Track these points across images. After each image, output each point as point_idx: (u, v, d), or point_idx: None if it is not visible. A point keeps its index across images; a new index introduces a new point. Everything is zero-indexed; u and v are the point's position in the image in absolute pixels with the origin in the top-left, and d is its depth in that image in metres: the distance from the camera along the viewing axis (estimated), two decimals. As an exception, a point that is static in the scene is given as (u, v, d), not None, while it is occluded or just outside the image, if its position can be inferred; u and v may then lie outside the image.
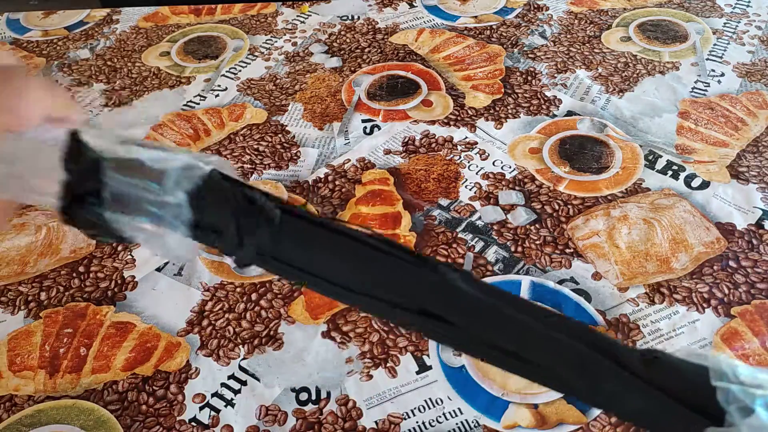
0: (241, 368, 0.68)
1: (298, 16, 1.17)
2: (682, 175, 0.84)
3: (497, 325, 0.27)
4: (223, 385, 0.67)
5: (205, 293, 0.74)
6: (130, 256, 0.79)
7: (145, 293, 0.75)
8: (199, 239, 0.27)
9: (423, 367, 0.67)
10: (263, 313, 0.72)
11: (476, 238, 0.78)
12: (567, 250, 0.76)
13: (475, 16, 1.14)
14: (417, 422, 0.63)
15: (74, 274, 0.77)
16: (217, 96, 1.01)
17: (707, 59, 1.01)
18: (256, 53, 1.09)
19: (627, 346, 0.27)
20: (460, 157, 0.88)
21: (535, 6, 1.15)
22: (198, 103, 1.00)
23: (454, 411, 0.64)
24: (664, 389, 0.25)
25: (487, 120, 0.93)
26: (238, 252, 0.27)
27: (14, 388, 0.67)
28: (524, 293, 0.72)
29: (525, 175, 0.85)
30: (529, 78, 1.00)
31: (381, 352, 0.68)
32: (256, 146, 0.92)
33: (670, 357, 0.26)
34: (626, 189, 0.82)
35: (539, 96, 0.97)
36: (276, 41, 1.12)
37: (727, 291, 0.71)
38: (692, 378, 0.26)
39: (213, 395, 0.66)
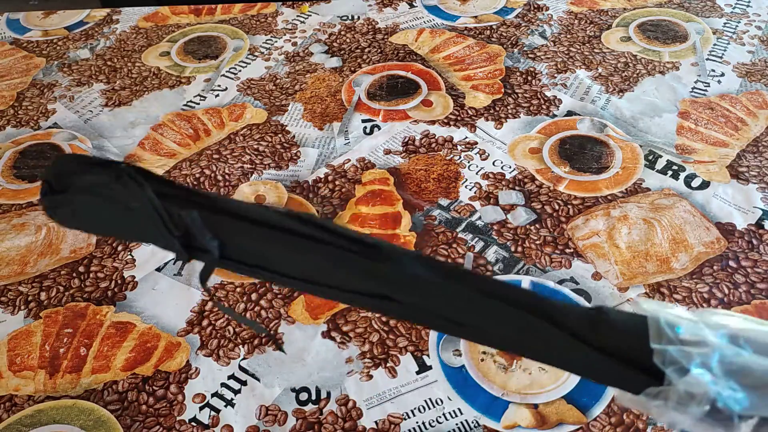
0: (241, 368, 0.68)
1: (298, 16, 1.17)
2: (682, 175, 0.84)
3: (443, 299, 0.28)
4: (223, 385, 0.67)
5: (205, 293, 0.74)
6: (130, 256, 0.79)
7: (145, 293, 0.75)
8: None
9: (423, 367, 0.67)
10: (263, 313, 0.72)
11: (476, 238, 0.78)
12: (567, 250, 0.76)
13: (475, 16, 1.14)
14: (417, 422, 0.63)
15: (74, 274, 0.77)
16: (217, 96, 1.01)
17: (707, 59, 1.01)
18: (256, 53, 1.09)
19: (568, 306, 0.27)
20: (460, 157, 0.88)
21: (535, 6, 1.15)
22: (198, 103, 1.00)
23: (454, 411, 0.64)
24: (606, 349, 0.26)
25: (487, 120, 0.93)
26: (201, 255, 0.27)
27: (14, 388, 0.67)
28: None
29: (525, 175, 0.85)
30: (529, 78, 1.00)
31: (381, 352, 0.68)
32: (256, 146, 0.92)
33: (615, 315, 0.27)
34: (626, 189, 0.82)
35: (539, 96, 0.97)
36: (276, 41, 1.12)
37: (727, 291, 0.71)
38: (634, 337, 0.26)
39: (213, 395, 0.66)
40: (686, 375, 0.24)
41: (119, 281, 0.76)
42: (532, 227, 0.78)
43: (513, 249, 0.76)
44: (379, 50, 1.08)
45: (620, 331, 0.26)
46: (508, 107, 0.95)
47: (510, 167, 0.86)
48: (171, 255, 0.78)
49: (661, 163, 0.85)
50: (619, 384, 0.26)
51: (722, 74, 0.98)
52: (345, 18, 1.16)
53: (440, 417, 0.63)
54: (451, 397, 0.65)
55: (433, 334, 0.69)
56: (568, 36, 1.08)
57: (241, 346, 0.69)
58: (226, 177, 0.88)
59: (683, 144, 0.88)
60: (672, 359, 0.25)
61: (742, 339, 0.25)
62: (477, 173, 0.86)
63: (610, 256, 0.75)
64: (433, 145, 0.90)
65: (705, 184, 0.82)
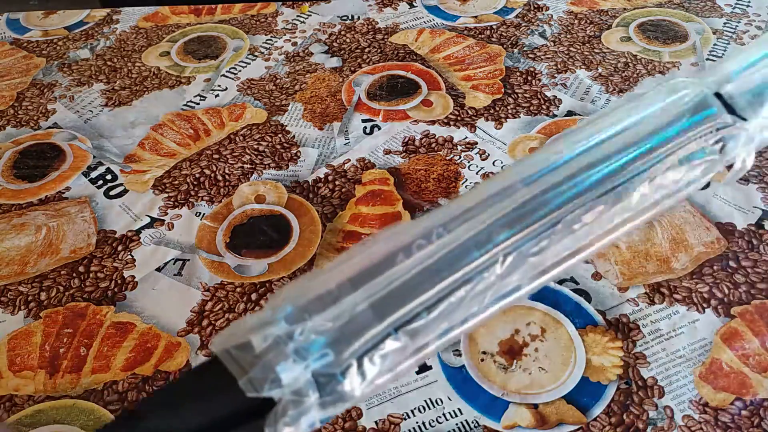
0: (241, 368, 0.68)
1: (298, 16, 1.18)
2: (682, 175, 0.83)
3: None
4: (223, 385, 0.67)
5: (205, 293, 0.74)
6: (130, 256, 0.79)
7: (145, 293, 0.75)
8: None
9: (423, 367, 0.67)
10: (263, 313, 0.72)
11: (476, 238, 0.78)
12: (567, 250, 0.76)
13: (475, 16, 1.14)
14: (417, 422, 0.63)
15: (74, 274, 0.77)
16: (217, 96, 1.01)
17: (707, 59, 1.01)
18: (256, 53, 1.09)
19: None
20: (460, 157, 0.88)
21: (535, 6, 1.15)
22: (198, 103, 1.00)
23: (454, 411, 0.64)
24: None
25: (487, 120, 0.93)
26: None
27: (14, 388, 0.67)
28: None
29: (525, 175, 0.85)
30: (529, 78, 1.00)
31: (381, 352, 0.68)
32: (256, 146, 0.92)
33: (203, 386, 0.24)
34: (626, 189, 0.82)
35: (539, 96, 0.97)
36: (276, 41, 1.12)
37: (727, 291, 0.71)
38: (229, 391, 0.23)
39: (213, 395, 0.66)
40: (279, 383, 0.23)
41: (119, 281, 0.76)
42: (532, 227, 0.78)
43: (513, 249, 0.76)
44: (379, 50, 1.08)
45: (215, 397, 0.24)
46: (508, 107, 0.95)
47: (510, 167, 0.86)
48: (171, 255, 0.79)
49: (661, 163, 0.85)
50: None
51: (722, 74, 0.98)
52: (345, 18, 1.16)
53: (440, 417, 0.63)
54: (451, 397, 0.65)
55: (433, 334, 0.69)
56: (568, 36, 1.08)
57: (241, 346, 0.69)
58: (226, 177, 0.88)
59: (683, 144, 0.88)
60: (259, 380, 0.22)
61: (307, 302, 0.24)
62: (477, 173, 0.86)
63: (610, 256, 0.75)
64: (433, 145, 0.90)
65: (705, 184, 0.82)
